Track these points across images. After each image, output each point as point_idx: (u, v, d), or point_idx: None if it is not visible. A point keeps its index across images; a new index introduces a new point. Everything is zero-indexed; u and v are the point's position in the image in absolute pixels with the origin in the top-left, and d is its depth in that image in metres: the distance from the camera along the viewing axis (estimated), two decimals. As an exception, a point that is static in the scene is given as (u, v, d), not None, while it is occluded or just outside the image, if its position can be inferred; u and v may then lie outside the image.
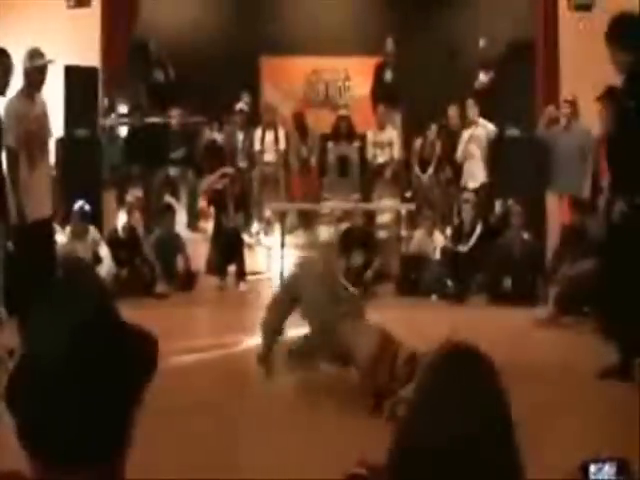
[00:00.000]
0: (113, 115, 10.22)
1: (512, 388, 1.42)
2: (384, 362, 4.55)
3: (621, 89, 5.13)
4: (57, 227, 7.09)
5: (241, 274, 8.62)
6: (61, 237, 7.55)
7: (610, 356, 5.15)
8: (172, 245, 8.66)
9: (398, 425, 1.41)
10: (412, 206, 9.39)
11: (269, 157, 10.50)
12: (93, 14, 9.91)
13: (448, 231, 9.02)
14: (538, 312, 7.08)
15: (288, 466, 3.77)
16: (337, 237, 8.93)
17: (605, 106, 6.43)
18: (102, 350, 1.21)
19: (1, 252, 5.50)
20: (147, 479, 2.01)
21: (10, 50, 5.55)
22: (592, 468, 1.51)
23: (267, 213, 10.23)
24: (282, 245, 8.75)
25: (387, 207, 9.86)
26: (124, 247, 8.27)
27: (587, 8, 9.54)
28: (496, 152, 9.39)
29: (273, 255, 9.18)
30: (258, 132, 10.52)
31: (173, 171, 10.69)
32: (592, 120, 7.88)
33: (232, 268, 8.67)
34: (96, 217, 8.32)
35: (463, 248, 8.36)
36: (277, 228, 9.39)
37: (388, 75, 10.93)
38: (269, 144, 10.48)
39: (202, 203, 10.70)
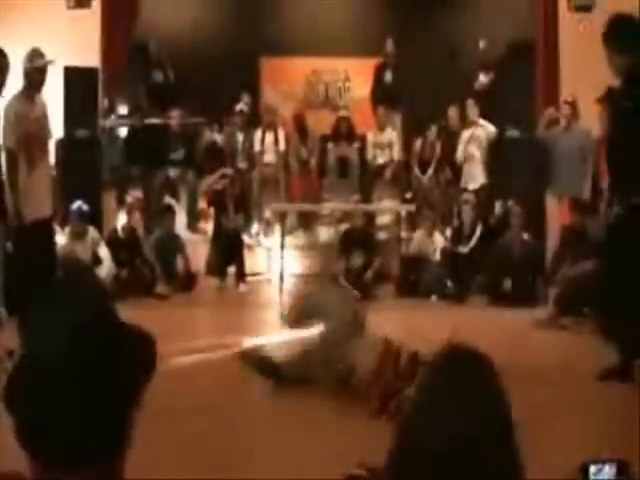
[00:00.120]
0: (113, 116, 10.22)
1: (512, 388, 1.42)
2: (388, 365, 4.56)
3: (618, 90, 5.12)
4: (57, 228, 7.09)
5: (241, 275, 8.62)
6: (61, 238, 7.55)
7: (610, 357, 5.15)
8: (172, 246, 8.66)
9: (398, 425, 1.40)
10: (412, 207, 9.39)
11: (269, 158, 10.50)
12: (93, 15, 9.93)
13: (448, 232, 9.02)
14: (538, 313, 7.08)
15: (288, 467, 3.77)
16: (337, 238, 8.97)
17: (604, 107, 6.44)
18: (101, 350, 1.21)
19: (1, 253, 5.50)
20: (147, 479, 2.01)
21: (11, 50, 5.54)
22: (592, 469, 1.51)
23: (267, 214, 10.22)
24: (282, 246, 8.75)
25: (387, 208, 9.86)
26: (124, 248, 8.28)
27: (587, 9, 9.55)
28: (496, 153, 9.39)
29: (273, 256, 9.18)
30: (258, 133, 10.52)
31: (173, 172, 10.69)
32: (592, 121, 7.89)
33: (232, 269, 8.67)
34: (96, 218, 8.32)
35: (463, 249, 8.36)
36: (277, 229, 9.39)
37: (388, 76, 10.92)
38: (269, 145, 10.48)
39: (202, 204, 10.69)
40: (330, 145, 10.11)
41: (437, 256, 8.49)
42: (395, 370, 4.51)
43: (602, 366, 5.15)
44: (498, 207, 9.06)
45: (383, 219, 9.72)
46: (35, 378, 1.19)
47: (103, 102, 9.73)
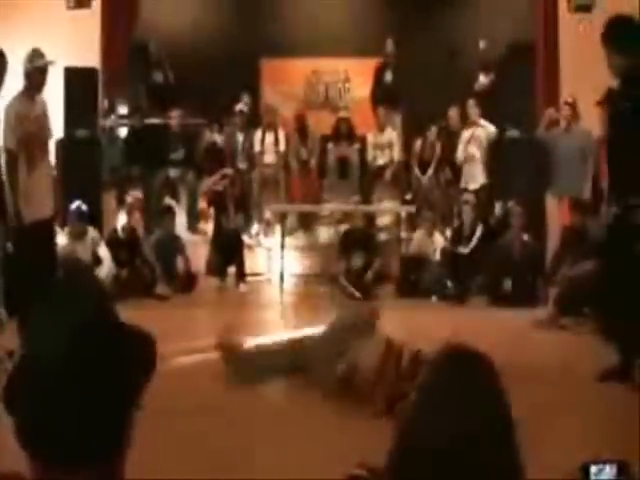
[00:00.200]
0: (113, 116, 10.22)
1: (512, 388, 1.42)
2: (390, 365, 4.56)
3: (617, 91, 5.12)
4: (57, 228, 7.09)
5: (241, 275, 8.62)
6: (61, 238, 7.55)
7: (610, 357, 5.15)
8: (172, 246, 8.66)
9: (398, 426, 1.40)
10: (412, 209, 9.39)
11: (269, 158, 10.50)
12: (93, 15, 9.92)
13: (448, 232, 9.01)
14: (538, 313, 7.08)
15: (288, 467, 3.77)
16: (337, 239, 8.97)
17: (604, 108, 6.43)
18: (101, 351, 1.21)
19: (1, 253, 5.50)
20: (147, 479, 2.01)
21: (11, 51, 5.54)
22: (593, 469, 1.52)
23: (267, 214, 10.23)
24: (282, 246, 8.76)
25: (387, 210, 9.86)
26: (124, 248, 8.27)
27: (587, 9, 9.54)
28: (496, 153, 9.39)
29: (273, 256, 9.18)
30: (258, 133, 10.52)
31: (173, 172, 10.68)
32: (592, 122, 7.88)
33: (232, 269, 8.67)
34: (96, 218, 8.32)
35: (463, 249, 8.36)
36: (277, 229, 9.40)
37: (388, 76, 10.92)
38: (269, 145, 10.48)
39: (202, 204, 10.70)
40: (330, 146, 10.11)
41: (437, 256, 8.49)
42: (397, 369, 4.52)
43: (602, 366, 5.15)
44: (498, 207, 9.06)
45: (383, 220, 9.73)
46: (35, 378, 1.19)
47: (103, 102, 9.73)
